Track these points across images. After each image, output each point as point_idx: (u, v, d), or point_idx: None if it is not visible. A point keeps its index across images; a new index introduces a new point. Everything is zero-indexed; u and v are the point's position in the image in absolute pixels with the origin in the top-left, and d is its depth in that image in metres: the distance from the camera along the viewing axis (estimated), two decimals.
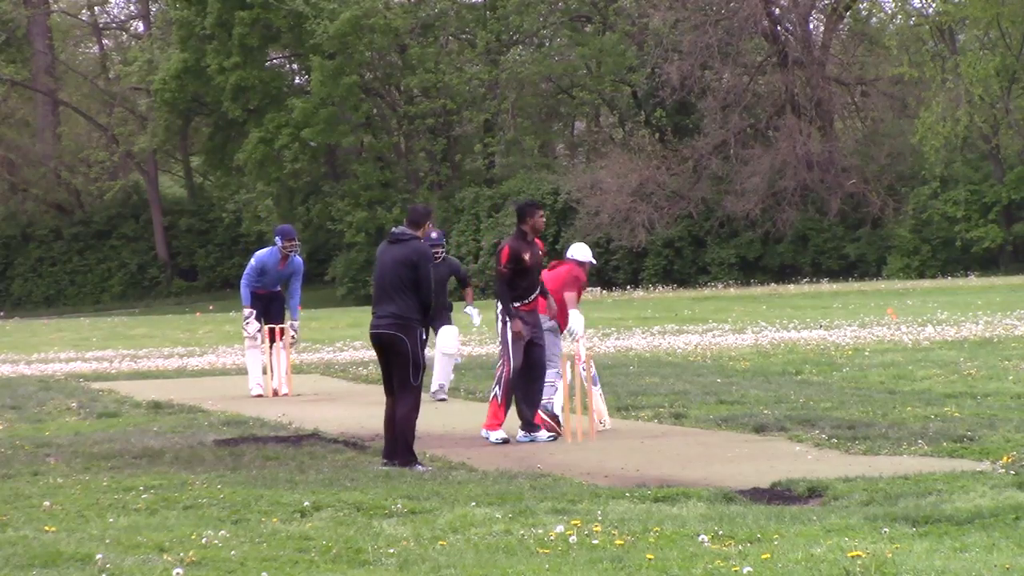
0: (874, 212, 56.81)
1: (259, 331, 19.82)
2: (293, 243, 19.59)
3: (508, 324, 14.11)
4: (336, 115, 61.26)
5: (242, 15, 61.11)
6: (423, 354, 12.60)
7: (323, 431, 15.20)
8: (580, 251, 15.45)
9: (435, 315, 17.09)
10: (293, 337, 20.14)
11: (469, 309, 19.16)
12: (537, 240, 14.40)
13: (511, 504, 9.99)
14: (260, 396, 19.57)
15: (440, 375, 18.37)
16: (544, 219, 14.46)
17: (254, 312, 19.75)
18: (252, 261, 19.81)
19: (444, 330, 18.44)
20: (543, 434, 14.26)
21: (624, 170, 57.50)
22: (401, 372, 12.48)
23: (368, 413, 16.47)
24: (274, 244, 19.77)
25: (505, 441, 14.04)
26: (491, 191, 61.62)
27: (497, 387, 14.25)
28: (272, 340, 19.98)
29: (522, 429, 14.30)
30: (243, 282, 19.84)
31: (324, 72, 59.72)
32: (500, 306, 14.23)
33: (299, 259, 19.86)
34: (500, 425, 14.18)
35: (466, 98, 63.00)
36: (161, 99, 64.97)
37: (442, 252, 18.48)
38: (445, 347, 18.35)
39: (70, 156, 74.37)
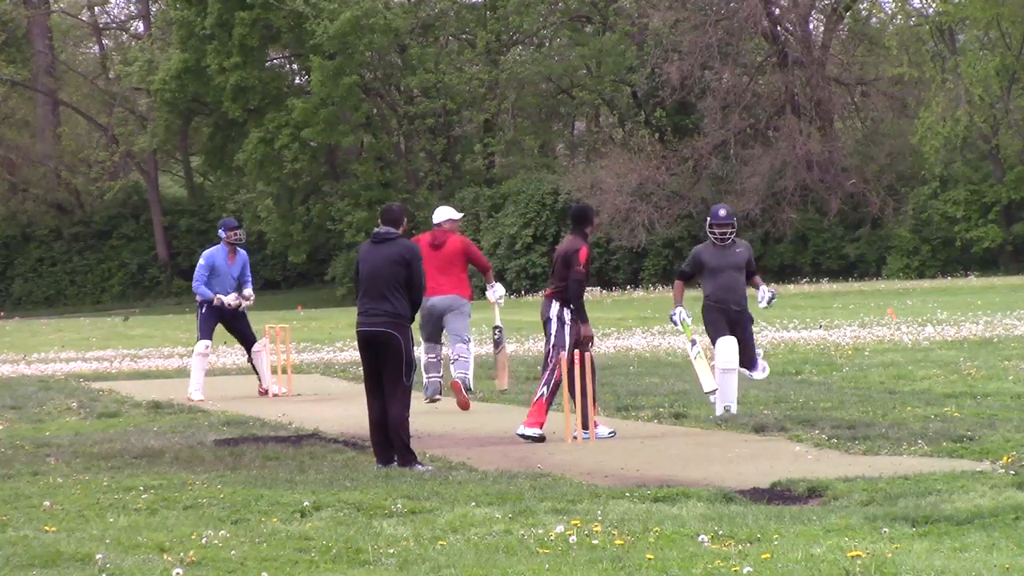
0: (874, 212, 56.82)
1: (208, 347, 19.97)
2: (236, 232, 19.99)
3: (567, 326, 14.18)
4: (336, 115, 61.26)
5: (242, 15, 61.11)
6: (413, 353, 12.60)
7: (323, 431, 15.21)
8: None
9: (728, 314, 15.43)
10: (248, 297, 20.09)
11: (763, 291, 16.01)
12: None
13: (511, 504, 9.99)
14: (201, 401, 19.36)
15: (728, 392, 15.37)
16: None
17: (213, 296, 19.80)
18: (201, 260, 20.02)
19: (723, 342, 15.35)
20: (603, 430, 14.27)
21: (624, 170, 57.50)
22: (393, 371, 12.45)
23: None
24: (219, 240, 20.08)
25: (541, 439, 14.03)
26: (491, 191, 61.63)
27: (545, 388, 14.20)
28: (253, 341, 20.17)
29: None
30: (196, 281, 19.94)
31: (324, 72, 59.73)
32: (556, 308, 14.27)
33: (243, 251, 20.17)
34: (541, 425, 14.17)
35: (466, 98, 63.01)
36: (161, 99, 65.00)
37: (731, 233, 15.52)
38: (725, 362, 15.25)
39: (70, 156, 74.37)
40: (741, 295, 15.46)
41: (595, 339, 14.28)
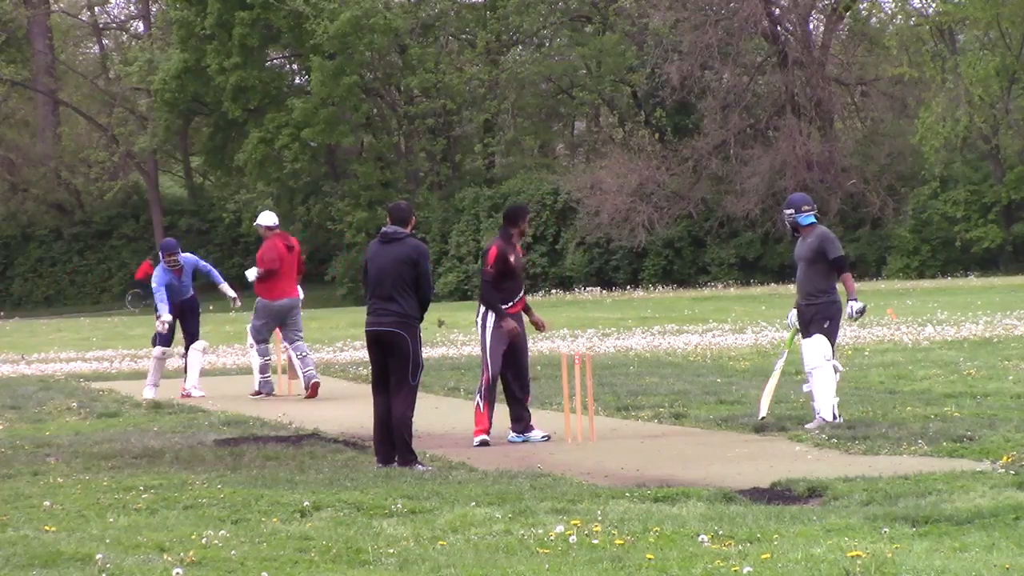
0: (874, 212, 56.80)
1: (165, 352, 20.35)
2: (173, 257, 19.87)
3: (491, 328, 14.05)
4: (336, 115, 61.24)
5: (242, 15, 61.10)
6: (421, 353, 12.60)
7: (323, 431, 15.22)
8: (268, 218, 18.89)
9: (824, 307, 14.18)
10: (235, 299, 20.77)
11: (849, 305, 14.63)
12: (518, 247, 14.37)
13: (511, 504, 9.99)
14: (154, 399, 19.48)
15: (817, 396, 14.09)
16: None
17: (168, 317, 19.99)
18: (154, 284, 20.02)
19: (803, 345, 14.30)
20: (536, 433, 14.23)
21: (624, 170, 57.48)
22: (400, 371, 12.45)
23: (368, 413, 16.38)
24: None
25: (485, 443, 13.97)
26: (491, 191, 61.61)
27: (479, 396, 14.13)
28: (188, 345, 20.49)
29: (513, 430, 14.27)
30: (159, 303, 20.00)
31: (324, 72, 59.71)
32: (482, 310, 14.18)
33: (186, 256, 20.20)
34: (486, 431, 14.10)
35: (466, 98, 62.99)
36: (161, 99, 64.97)
37: (797, 221, 14.59)
38: (806, 364, 14.22)
39: (70, 156, 74.29)
40: (809, 289, 14.38)
41: (518, 330, 14.12)
